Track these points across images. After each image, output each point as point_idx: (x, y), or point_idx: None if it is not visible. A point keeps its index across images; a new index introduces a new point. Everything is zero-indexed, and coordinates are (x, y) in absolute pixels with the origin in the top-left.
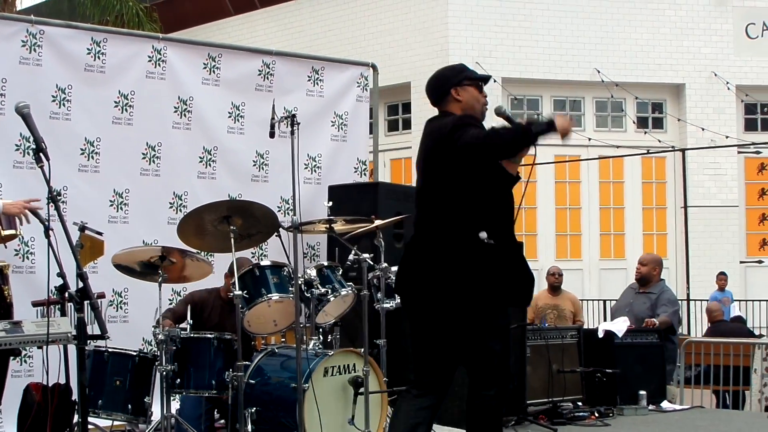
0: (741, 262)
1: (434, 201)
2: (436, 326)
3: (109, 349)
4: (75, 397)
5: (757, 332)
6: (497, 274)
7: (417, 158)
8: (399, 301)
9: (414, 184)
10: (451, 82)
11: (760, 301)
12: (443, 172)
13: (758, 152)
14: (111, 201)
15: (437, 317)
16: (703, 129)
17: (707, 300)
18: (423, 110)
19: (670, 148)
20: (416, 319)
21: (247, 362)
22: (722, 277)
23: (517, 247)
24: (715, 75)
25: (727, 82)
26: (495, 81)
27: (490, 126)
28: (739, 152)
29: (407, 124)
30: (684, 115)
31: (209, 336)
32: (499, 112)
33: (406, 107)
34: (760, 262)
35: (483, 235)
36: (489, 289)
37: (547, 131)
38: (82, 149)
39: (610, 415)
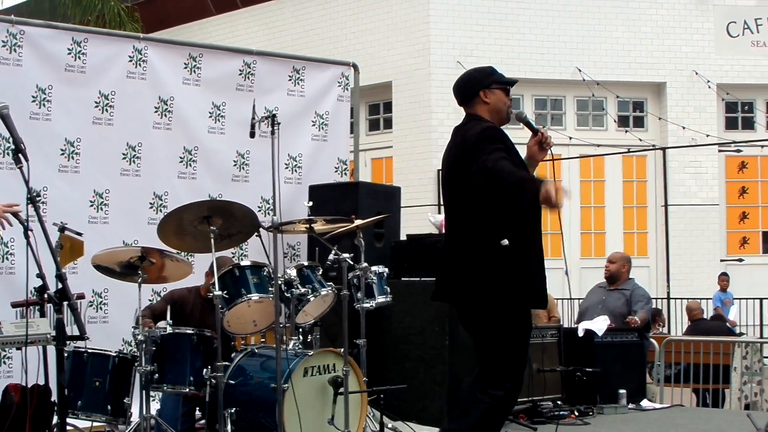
0: (721, 261)
1: (460, 212)
2: (466, 325)
3: (89, 350)
4: (54, 398)
5: (737, 330)
6: (518, 277)
7: (442, 165)
8: (379, 301)
9: (395, 184)
10: (481, 84)
11: (740, 299)
12: (466, 184)
13: (739, 151)
14: (91, 201)
15: (466, 318)
16: (683, 127)
17: (688, 298)
18: (404, 109)
19: (651, 147)
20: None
21: (226, 362)
22: (724, 278)
23: (539, 252)
24: (696, 74)
25: (708, 81)
26: None
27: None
28: (719, 151)
29: (388, 124)
30: (665, 114)
31: (189, 332)
32: (519, 118)
33: (388, 107)
34: (740, 260)
35: (505, 242)
36: (509, 292)
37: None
38: (62, 149)
39: (590, 413)
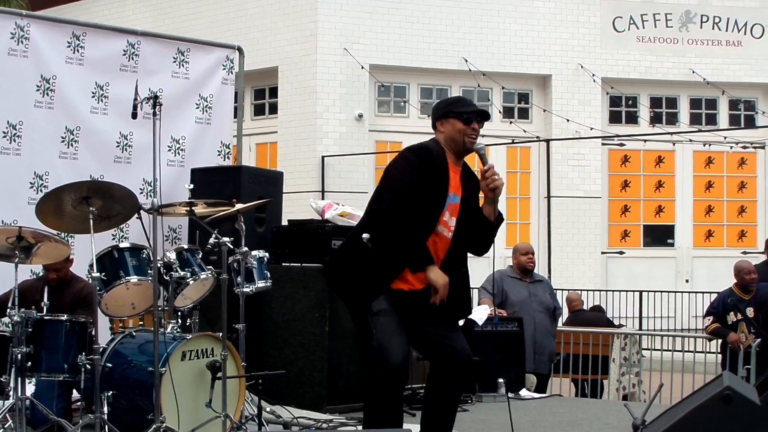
0: (602, 253)
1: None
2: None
3: None
4: None
5: (616, 322)
6: (368, 269)
7: None
8: (258, 285)
9: (279, 169)
10: (437, 114)
11: (619, 291)
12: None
13: (622, 144)
14: None
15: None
16: (568, 120)
17: (568, 289)
18: (290, 95)
19: (535, 139)
20: None
21: (104, 345)
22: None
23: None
24: (582, 67)
25: (593, 75)
26: (363, 68)
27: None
28: (603, 144)
29: (274, 109)
30: (550, 106)
31: (62, 318)
32: (474, 149)
33: (273, 92)
34: (621, 253)
35: (365, 236)
36: (358, 281)
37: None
38: None
39: (469, 401)
